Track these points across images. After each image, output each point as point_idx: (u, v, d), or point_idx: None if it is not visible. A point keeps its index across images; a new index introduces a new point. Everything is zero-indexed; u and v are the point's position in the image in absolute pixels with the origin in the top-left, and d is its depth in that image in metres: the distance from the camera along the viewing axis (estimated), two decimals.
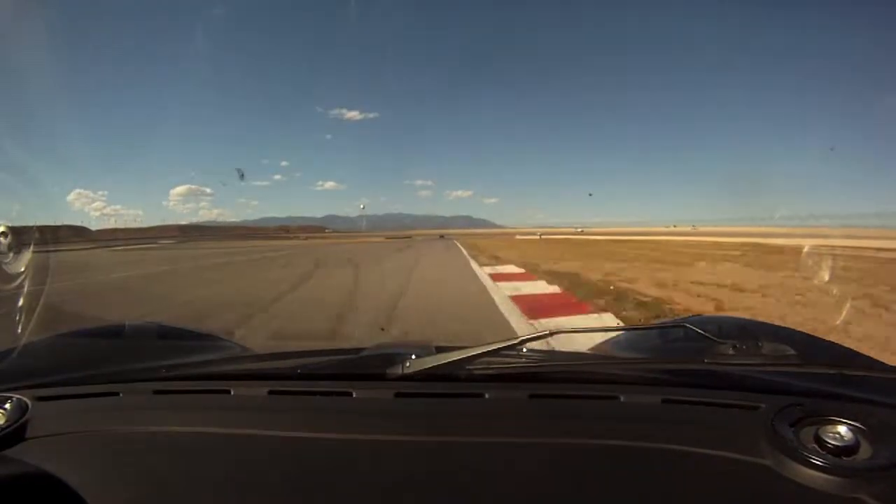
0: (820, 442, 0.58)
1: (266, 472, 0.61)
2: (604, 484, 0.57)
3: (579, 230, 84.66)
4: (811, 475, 0.55)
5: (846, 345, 1.02)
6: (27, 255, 1.51)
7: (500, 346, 0.80)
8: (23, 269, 1.46)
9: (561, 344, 0.97)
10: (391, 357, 0.84)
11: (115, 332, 1.23)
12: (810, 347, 0.97)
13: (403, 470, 0.61)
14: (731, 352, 0.78)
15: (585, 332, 1.20)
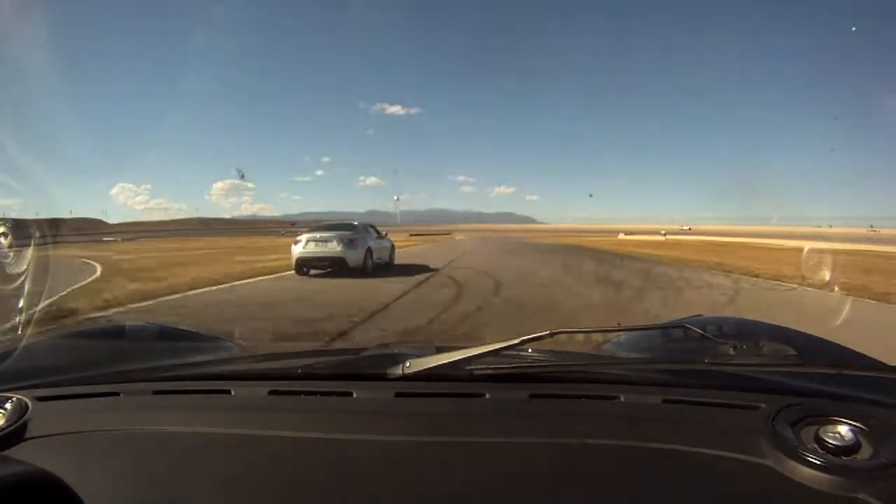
0: (820, 442, 0.59)
1: (266, 473, 0.61)
2: (604, 484, 0.57)
3: (687, 228, 72.11)
4: (811, 475, 0.55)
5: None
6: (28, 253, 1.51)
7: (500, 347, 0.80)
8: (24, 268, 1.46)
9: (561, 344, 0.96)
10: (391, 357, 0.84)
11: (115, 333, 1.24)
12: (810, 347, 0.97)
13: (404, 470, 0.61)
14: (731, 352, 0.78)
15: (585, 332, 1.20)
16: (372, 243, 10.41)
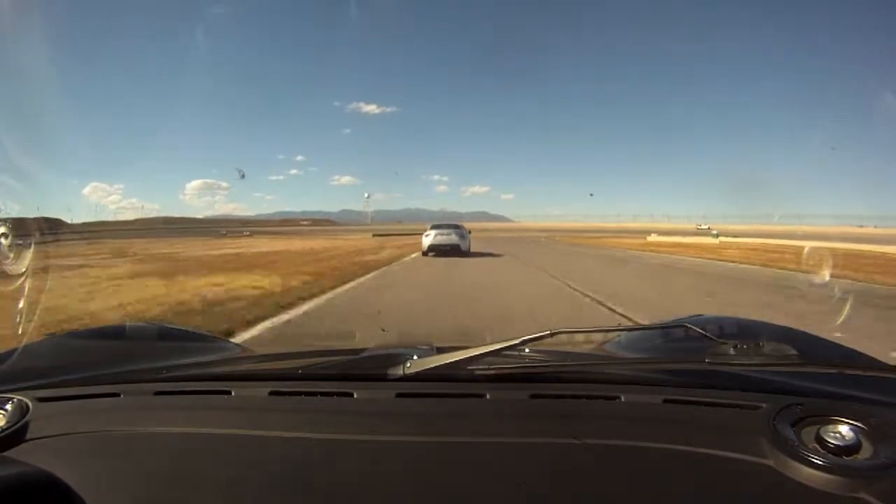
0: (821, 441, 0.59)
1: (266, 473, 0.61)
2: (605, 484, 0.57)
3: (706, 227, 54.25)
4: (812, 475, 0.55)
5: None
6: (29, 253, 1.51)
7: (500, 347, 0.80)
8: (24, 267, 1.46)
9: (561, 344, 0.96)
10: (392, 357, 0.84)
11: (115, 334, 1.23)
12: (811, 347, 0.97)
13: (404, 470, 0.61)
14: (731, 352, 0.78)
15: (586, 332, 1.20)
16: (468, 236, 16.29)
